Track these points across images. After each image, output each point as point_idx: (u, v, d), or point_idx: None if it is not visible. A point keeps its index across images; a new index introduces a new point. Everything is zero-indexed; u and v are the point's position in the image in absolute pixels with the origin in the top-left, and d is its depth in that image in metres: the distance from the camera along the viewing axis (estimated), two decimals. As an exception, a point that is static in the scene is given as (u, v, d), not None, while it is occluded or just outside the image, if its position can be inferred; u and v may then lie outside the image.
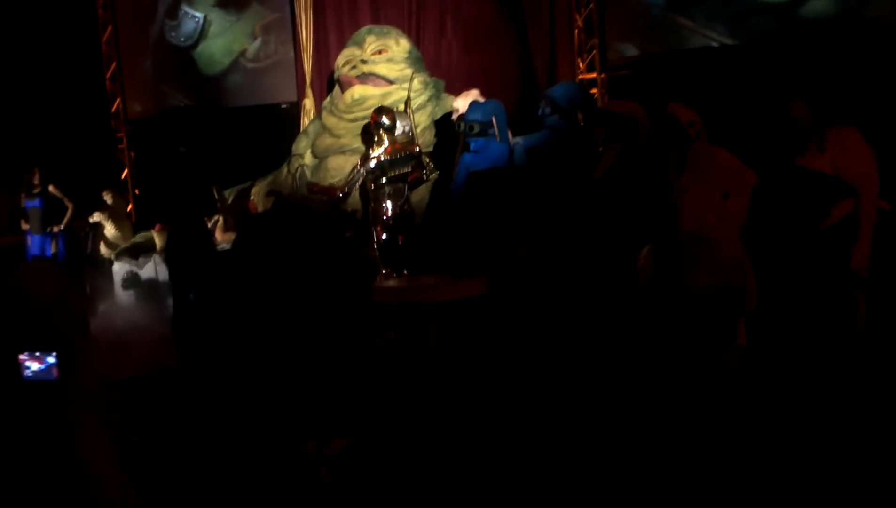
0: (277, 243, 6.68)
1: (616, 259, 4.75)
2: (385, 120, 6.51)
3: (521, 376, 4.37)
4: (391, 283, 5.00)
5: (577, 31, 8.02)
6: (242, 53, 9.08)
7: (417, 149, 6.61)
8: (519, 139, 5.71)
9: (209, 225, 7.84)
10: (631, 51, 7.88)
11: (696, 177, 4.68)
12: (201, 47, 9.28)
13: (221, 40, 9.14)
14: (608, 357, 4.16)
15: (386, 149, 6.53)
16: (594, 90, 8.01)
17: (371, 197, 6.42)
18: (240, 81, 9.13)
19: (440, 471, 3.82)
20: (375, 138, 6.55)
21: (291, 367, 4.63)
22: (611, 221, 4.66)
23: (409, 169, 6.60)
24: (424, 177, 6.53)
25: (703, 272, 4.21)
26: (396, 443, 4.25)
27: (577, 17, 8.00)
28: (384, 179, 6.45)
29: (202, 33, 9.13)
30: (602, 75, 8.04)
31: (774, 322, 4.68)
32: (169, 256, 6.61)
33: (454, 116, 6.36)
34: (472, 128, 5.63)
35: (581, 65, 8.09)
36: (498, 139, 5.62)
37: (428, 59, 8.08)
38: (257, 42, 9.02)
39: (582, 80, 7.98)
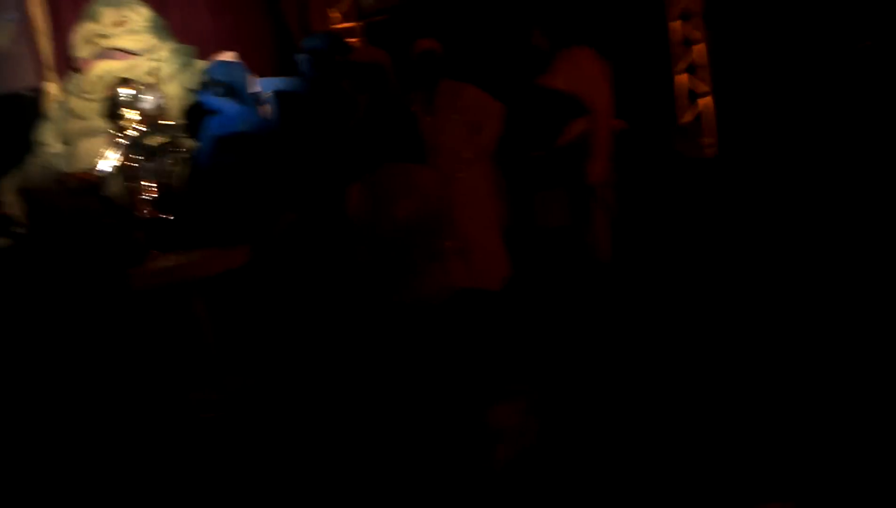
0: (35, 243, 6.23)
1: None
2: (126, 92, 6.14)
3: (295, 346, 4.30)
4: (153, 266, 4.76)
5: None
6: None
7: (172, 122, 6.30)
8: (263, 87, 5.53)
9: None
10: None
11: (448, 115, 4.75)
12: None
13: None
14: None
15: (136, 123, 6.16)
16: (354, 39, 7.92)
17: (129, 176, 6.07)
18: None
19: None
20: (121, 115, 6.16)
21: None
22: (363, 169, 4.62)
23: (169, 140, 6.29)
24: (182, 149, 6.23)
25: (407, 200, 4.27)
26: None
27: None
28: (141, 156, 6.12)
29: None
30: (360, 23, 7.97)
31: (528, 244, 4.86)
32: None
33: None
34: (210, 87, 5.41)
35: (337, 14, 7.96)
36: (240, 100, 5.43)
37: (175, 26, 7.68)
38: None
39: (338, 29, 7.87)
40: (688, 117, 6.93)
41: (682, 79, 6.87)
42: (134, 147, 6.09)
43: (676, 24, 6.81)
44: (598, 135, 4.93)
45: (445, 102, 4.78)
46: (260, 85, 5.55)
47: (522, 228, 4.93)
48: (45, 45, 8.03)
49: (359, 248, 1.64)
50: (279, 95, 5.44)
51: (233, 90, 5.34)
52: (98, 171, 6.37)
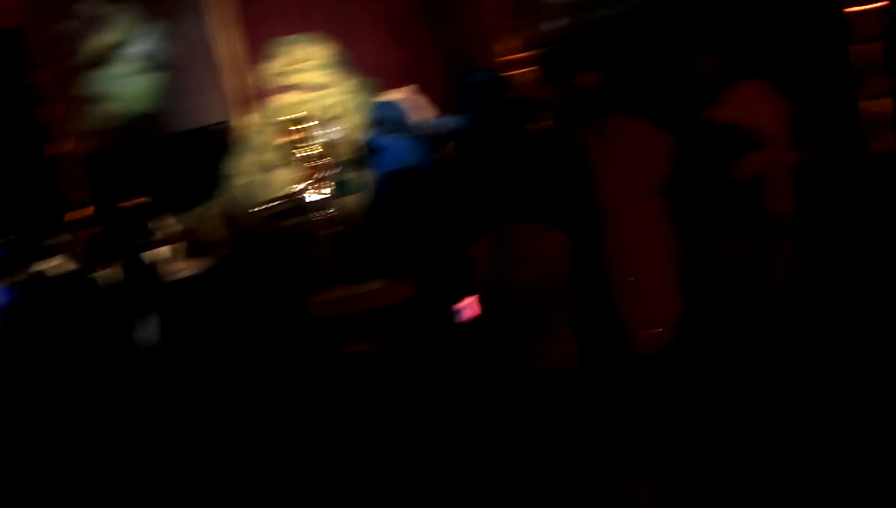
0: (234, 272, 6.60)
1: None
2: (307, 126, 6.45)
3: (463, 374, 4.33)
4: (329, 295, 4.96)
5: (500, 11, 7.94)
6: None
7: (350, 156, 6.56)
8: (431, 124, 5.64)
9: (169, 253, 7.81)
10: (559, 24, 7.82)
11: (616, 149, 4.65)
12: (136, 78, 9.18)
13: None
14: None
15: (317, 156, 6.46)
16: (527, 69, 7.95)
17: (310, 207, 6.37)
18: (172, 107, 9.05)
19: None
20: (302, 148, 6.47)
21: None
22: (533, 206, 4.61)
23: (346, 174, 6.55)
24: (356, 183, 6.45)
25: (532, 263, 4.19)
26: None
27: (504, -4, 7.94)
28: (321, 188, 6.40)
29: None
30: (533, 53, 7.97)
31: (704, 289, 4.65)
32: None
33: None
34: (378, 125, 5.58)
35: (511, 44, 8.02)
36: (407, 137, 5.56)
37: (360, 61, 8.01)
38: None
39: (511, 61, 7.93)
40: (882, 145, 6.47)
41: (872, 105, 6.39)
42: (314, 179, 6.37)
43: (861, 48, 6.36)
44: (775, 170, 4.69)
45: (613, 136, 4.68)
46: (435, 124, 5.67)
47: (697, 268, 4.73)
48: (232, 80, 8.60)
49: (486, 308, 1.63)
50: (455, 134, 5.53)
51: (398, 127, 5.49)
52: (284, 201, 6.72)
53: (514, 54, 7.95)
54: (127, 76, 9.15)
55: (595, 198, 4.49)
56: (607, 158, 4.66)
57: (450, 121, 5.65)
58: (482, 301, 1.70)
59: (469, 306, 3.75)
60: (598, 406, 1.61)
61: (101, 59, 9.23)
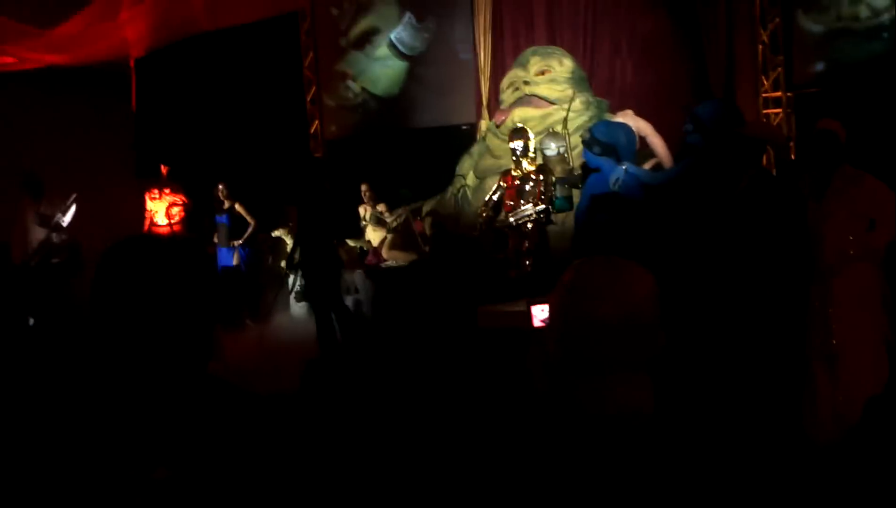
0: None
1: (750, 293, 4.39)
2: (518, 144, 6.41)
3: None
4: (502, 308, 4.92)
5: (760, 47, 7.52)
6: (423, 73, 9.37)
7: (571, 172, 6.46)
8: (627, 167, 5.40)
9: (377, 243, 8.13)
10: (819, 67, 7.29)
11: (842, 203, 4.25)
12: (393, 65, 9.64)
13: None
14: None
15: (534, 170, 6.42)
16: (779, 110, 7.49)
17: (516, 219, 6.34)
18: (422, 102, 9.39)
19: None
20: (523, 160, 6.44)
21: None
22: (740, 249, 4.31)
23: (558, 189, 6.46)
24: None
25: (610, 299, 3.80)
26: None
27: (762, 32, 7.51)
28: (532, 202, 6.36)
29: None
30: (788, 94, 7.50)
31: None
32: (305, 279, 6.98)
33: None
34: (590, 145, 5.42)
35: (766, 83, 7.58)
36: (617, 162, 5.36)
37: (602, 79, 7.93)
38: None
39: (765, 98, 7.50)
40: None
41: None
42: (524, 192, 6.34)
43: None
44: None
45: (839, 190, 4.26)
46: (628, 168, 5.40)
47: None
48: (484, 85, 8.77)
49: (551, 346, 1.50)
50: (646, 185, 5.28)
51: (613, 150, 5.31)
52: (497, 209, 6.73)
53: (766, 93, 7.51)
54: (381, 60, 9.63)
55: (810, 252, 4.14)
56: (827, 212, 4.27)
57: (641, 173, 5.38)
58: (549, 336, 1.59)
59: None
60: (664, 463, 1.43)
61: (363, 42, 9.78)
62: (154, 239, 1.59)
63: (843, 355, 4.20)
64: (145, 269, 1.43)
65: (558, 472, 1.55)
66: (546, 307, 3.68)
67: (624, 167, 5.30)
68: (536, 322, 3.18)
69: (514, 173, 6.42)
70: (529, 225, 6.17)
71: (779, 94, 7.53)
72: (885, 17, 6.58)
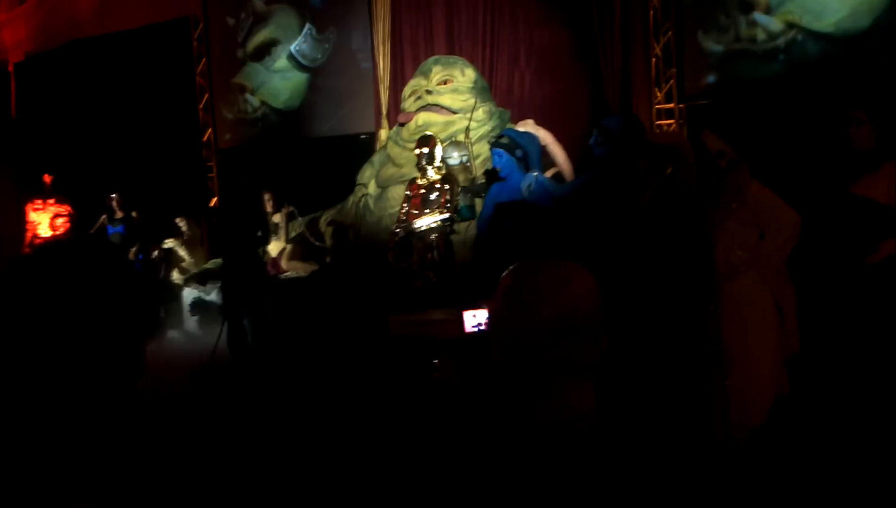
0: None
1: (656, 298, 4.46)
2: (424, 149, 6.38)
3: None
4: (415, 317, 4.85)
5: (654, 60, 7.72)
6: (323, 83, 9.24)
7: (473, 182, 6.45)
8: (538, 175, 5.44)
9: (276, 254, 7.96)
10: (710, 79, 7.52)
11: (729, 212, 4.34)
12: (293, 77, 9.49)
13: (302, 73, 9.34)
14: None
15: (439, 179, 6.38)
16: (671, 121, 7.70)
17: (419, 228, 6.30)
18: (322, 112, 9.26)
19: None
20: (426, 169, 6.41)
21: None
22: (646, 257, 4.36)
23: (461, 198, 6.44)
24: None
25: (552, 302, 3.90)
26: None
27: (655, 45, 7.71)
28: (434, 209, 6.32)
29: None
30: (680, 105, 7.71)
31: (819, 367, 4.26)
32: (223, 283, 6.76)
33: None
34: (512, 149, 5.43)
35: (658, 94, 7.78)
36: (526, 170, 5.39)
37: (501, 90, 7.97)
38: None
39: (658, 110, 7.69)
40: None
41: None
42: (429, 201, 6.30)
43: None
44: None
45: (728, 198, 4.34)
46: (538, 177, 5.43)
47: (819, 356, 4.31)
48: (384, 94, 8.72)
49: (493, 351, 1.46)
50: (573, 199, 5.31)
51: (524, 158, 5.34)
52: (401, 219, 6.66)
53: (659, 104, 7.71)
54: (281, 72, 9.45)
55: (710, 260, 4.22)
56: (719, 220, 4.36)
57: (553, 186, 5.43)
58: (491, 342, 1.54)
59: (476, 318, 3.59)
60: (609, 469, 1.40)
61: (262, 53, 9.58)
62: (66, 243, 1.45)
63: (733, 361, 4.29)
64: (64, 277, 1.31)
65: (490, 478, 1.51)
66: (478, 314, 3.66)
67: (535, 174, 5.33)
68: (468, 328, 3.15)
69: (419, 182, 6.38)
70: (434, 235, 6.13)
71: (671, 105, 7.73)
72: (781, 40, 6.84)
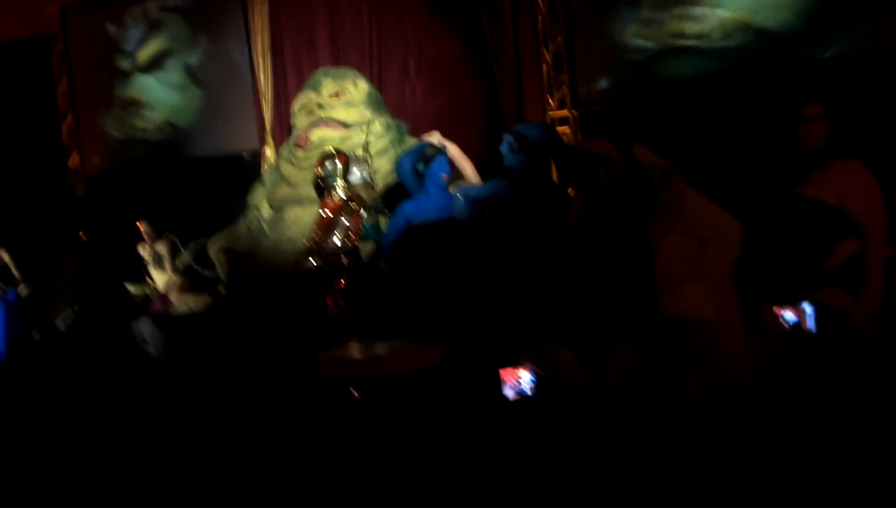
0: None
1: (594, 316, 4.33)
2: (335, 164, 6.04)
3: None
4: (342, 354, 4.53)
5: (545, 66, 7.66)
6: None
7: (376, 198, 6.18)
8: (458, 190, 5.24)
9: (164, 287, 7.41)
10: (603, 85, 7.52)
11: (665, 224, 4.23)
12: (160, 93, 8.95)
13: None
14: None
15: (342, 197, 6.06)
16: (565, 128, 7.64)
17: (327, 251, 5.96)
18: (201, 131, 8.77)
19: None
20: (328, 187, 6.07)
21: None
22: (585, 272, 4.22)
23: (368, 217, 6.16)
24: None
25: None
26: None
27: (545, 52, 7.65)
28: (342, 231, 6.01)
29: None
30: (573, 112, 7.67)
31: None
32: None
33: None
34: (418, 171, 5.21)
35: (551, 102, 7.72)
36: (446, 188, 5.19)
37: (391, 101, 7.72)
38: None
39: (552, 117, 7.63)
40: None
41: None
42: (335, 223, 5.98)
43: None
44: (871, 261, 4.24)
45: (663, 210, 4.23)
46: (458, 191, 5.21)
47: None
48: (266, 109, 8.32)
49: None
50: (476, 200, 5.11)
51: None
52: (303, 242, 6.29)
53: (554, 111, 7.65)
54: (170, 86, 8.90)
55: (650, 272, 4.11)
56: (657, 231, 4.26)
57: (472, 189, 5.22)
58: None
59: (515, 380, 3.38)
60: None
61: (148, 65, 8.99)
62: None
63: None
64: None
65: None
66: (522, 375, 3.32)
67: (455, 193, 5.12)
68: (511, 394, 2.84)
69: (327, 204, 6.01)
70: (344, 259, 5.82)
71: (565, 112, 7.69)
72: (715, 35, 6.80)
